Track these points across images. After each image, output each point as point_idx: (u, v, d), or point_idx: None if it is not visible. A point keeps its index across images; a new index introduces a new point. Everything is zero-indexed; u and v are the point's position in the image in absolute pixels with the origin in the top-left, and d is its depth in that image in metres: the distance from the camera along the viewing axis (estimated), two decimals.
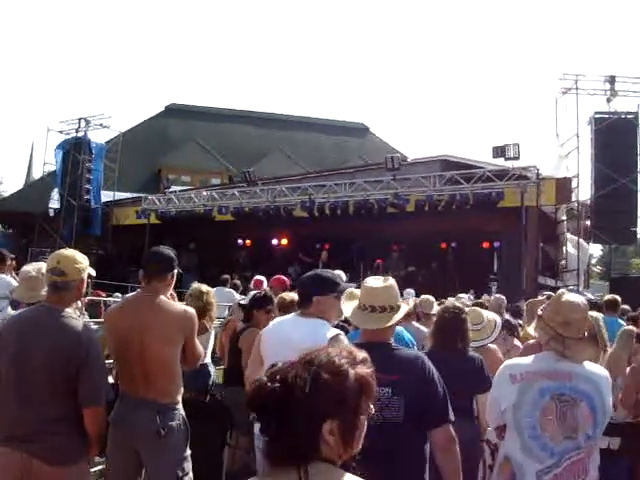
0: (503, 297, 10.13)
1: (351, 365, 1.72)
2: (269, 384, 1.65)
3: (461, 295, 9.75)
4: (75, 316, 3.67)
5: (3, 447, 3.38)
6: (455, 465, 3.20)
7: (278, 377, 1.67)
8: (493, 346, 5.54)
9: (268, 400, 1.64)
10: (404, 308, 3.51)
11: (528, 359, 3.36)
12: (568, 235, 19.59)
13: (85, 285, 3.78)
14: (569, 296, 3.34)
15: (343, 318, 4.13)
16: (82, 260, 3.68)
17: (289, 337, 3.67)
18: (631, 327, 6.11)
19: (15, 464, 3.33)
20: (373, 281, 3.51)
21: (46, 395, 3.41)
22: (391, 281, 3.50)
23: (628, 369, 5.21)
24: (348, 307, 3.56)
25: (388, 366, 3.01)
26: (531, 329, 3.52)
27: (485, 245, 19.97)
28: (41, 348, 3.40)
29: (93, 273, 3.83)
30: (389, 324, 3.36)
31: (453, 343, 4.52)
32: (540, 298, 4.91)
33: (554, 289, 15.83)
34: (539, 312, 3.37)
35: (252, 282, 9.91)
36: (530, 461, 3.14)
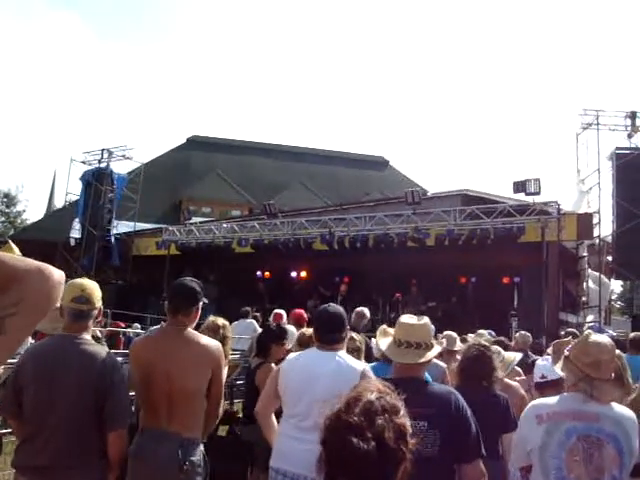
0: (529, 334, 10.04)
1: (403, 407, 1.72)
2: (363, 445, 1.55)
3: (481, 331, 9.65)
4: (95, 343, 3.68)
5: (23, 477, 3.38)
6: None
7: (369, 435, 1.57)
8: (515, 383, 5.50)
9: (365, 462, 1.55)
10: (437, 348, 3.62)
11: (554, 399, 3.34)
12: (589, 271, 19.46)
13: (101, 314, 3.83)
14: (596, 337, 3.32)
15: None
16: (99, 289, 3.76)
17: (313, 371, 3.71)
18: None
19: None
20: (409, 318, 3.62)
21: (70, 426, 3.43)
22: (426, 319, 3.60)
23: None
24: (384, 342, 3.67)
25: (424, 401, 3.10)
26: (557, 369, 3.49)
27: (505, 280, 19.82)
28: (67, 377, 3.42)
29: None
30: (424, 360, 3.45)
31: (479, 381, 4.49)
32: (567, 339, 4.84)
33: (575, 325, 15.73)
34: (566, 353, 3.35)
35: (272, 316, 9.88)
36: None
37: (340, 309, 4.22)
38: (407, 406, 1.73)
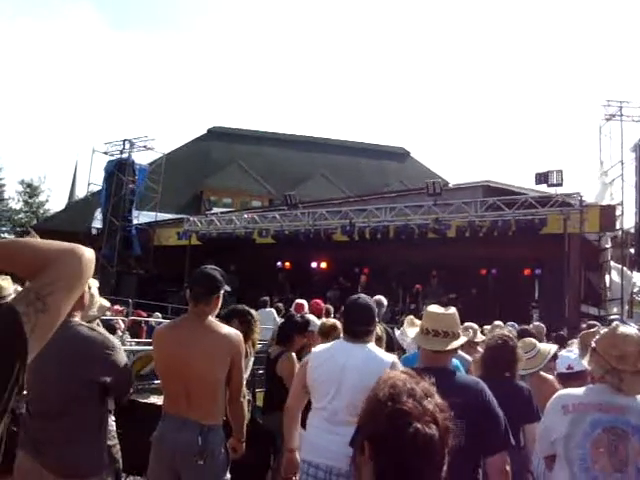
0: (542, 325, 10.02)
1: None
2: (428, 430, 1.56)
3: (497, 322, 9.62)
4: (83, 323, 3.69)
5: (25, 454, 3.43)
6: None
7: (428, 419, 1.59)
8: (551, 377, 5.43)
9: (432, 447, 1.56)
10: (463, 338, 3.65)
11: (580, 390, 3.33)
12: (612, 263, 19.29)
13: (87, 295, 3.81)
14: (624, 329, 3.29)
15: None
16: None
17: (344, 363, 3.72)
18: None
19: (33, 471, 3.39)
20: (436, 308, 3.67)
21: (61, 406, 3.48)
22: (453, 309, 3.64)
23: None
24: (412, 331, 3.75)
25: (451, 390, 3.06)
26: (584, 361, 3.48)
27: (526, 272, 19.68)
28: (58, 360, 3.44)
29: (107, 304, 3.88)
30: (450, 347, 3.47)
31: (501, 372, 4.47)
32: (593, 330, 4.81)
33: (597, 318, 15.64)
34: (593, 345, 3.33)
35: (293, 306, 9.91)
36: None
37: (370, 301, 4.22)
38: None
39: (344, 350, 3.99)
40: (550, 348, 5.69)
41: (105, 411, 3.72)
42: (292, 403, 4.24)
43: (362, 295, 4.32)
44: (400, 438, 1.55)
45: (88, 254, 1.62)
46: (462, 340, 3.58)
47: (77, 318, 3.64)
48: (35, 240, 1.58)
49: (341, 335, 5.87)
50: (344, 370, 3.71)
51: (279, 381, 6.00)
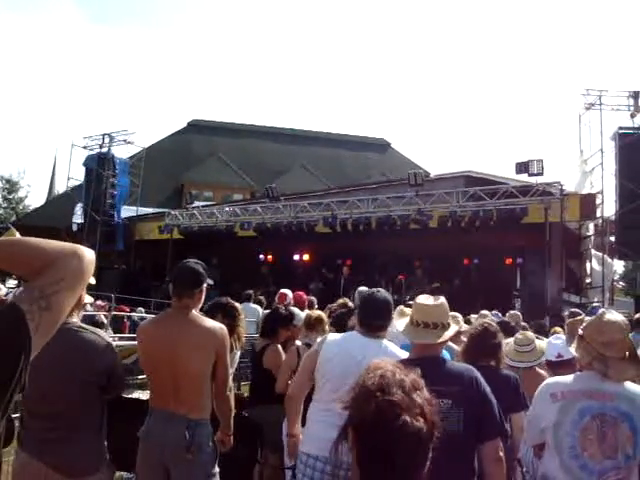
0: (519, 314, 10.08)
1: None
2: (415, 422, 1.57)
3: (484, 312, 9.66)
4: (82, 325, 3.69)
5: (26, 454, 3.44)
6: (504, 477, 3.27)
7: (416, 411, 1.59)
8: (543, 371, 5.46)
9: (418, 439, 1.57)
10: (454, 327, 3.61)
11: (569, 378, 3.34)
12: (592, 251, 19.44)
13: (84, 294, 3.78)
14: (610, 316, 3.30)
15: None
16: None
17: (360, 358, 3.68)
18: None
19: (34, 472, 3.39)
20: (426, 299, 3.60)
21: (63, 405, 3.49)
22: (442, 300, 3.58)
23: None
24: (401, 323, 3.65)
25: (446, 379, 3.11)
26: (572, 349, 3.49)
27: (508, 261, 19.80)
28: (58, 361, 3.41)
29: (92, 281, 3.84)
30: (442, 340, 3.45)
31: (486, 360, 4.48)
32: (579, 318, 4.83)
33: (578, 305, 15.76)
34: (580, 332, 3.34)
35: (277, 296, 9.88)
36: None
37: (387, 295, 4.19)
38: (430, 384, 1.73)
39: (360, 344, 3.95)
40: (544, 347, 5.68)
41: (104, 409, 3.72)
42: (296, 392, 4.23)
43: (381, 289, 4.29)
44: (388, 429, 1.55)
45: (89, 255, 1.66)
46: (453, 330, 3.54)
47: (75, 318, 3.63)
48: (35, 240, 1.61)
49: (326, 328, 5.90)
50: (360, 365, 3.64)
51: (265, 373, 5.99)
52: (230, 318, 5.43)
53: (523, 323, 9.11)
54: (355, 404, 1.68)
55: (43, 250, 1.58)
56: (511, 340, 5.47)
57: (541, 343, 5.66)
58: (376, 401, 1.60)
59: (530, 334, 5.75)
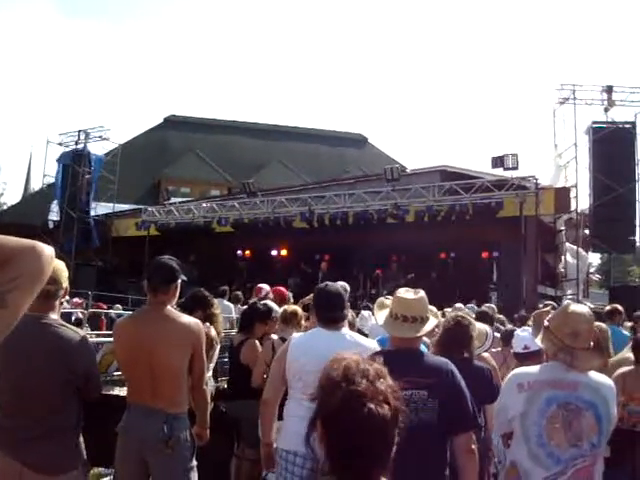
0: (494, 306, 10.18)
1: None
2: (380, 410, 1.61)
3: (459, 305, 9.77)
4: (62, 322, 3.67)
5: (0, 452, 3.41)
6: (476, 469, 3.33)
7: (381, 399, 1.63)
8: (486, 354, 5.58)
9: (385, 426, 1.61)
10: (433, 320, 3.64)
11: (535, 368, 3.41)
12: (567, 244, 19.64)
13: (67, 294, 3.82)
14: (575, 307, 3.38)
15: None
16: (66, 269, 3.72)
17: (327, 351, 3.69)
18: None
19: (10, 470, 3.36)
20: (406, 293, 3.62)
21: (42, 403, 3.47)
22: (422, 293, 3.61)
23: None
24: (380, 316, 3.69)
25: (423, 371, 3.15)
26: (538, 340, 3.56)
27: (484, 255, 19.94)
28: (37, 358, 3.43)
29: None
30: (420, 333, 3.49)
31: (459, 353, 4.55)
32: (546, 309, 4.91)
33: (554, 298, 15.93)
34: (545, 323, 3.41)
35: (264, 292, 9.87)
36: (537, 468, 3.18)
37: (339, 287, 4.24)
38: (407, 376, 1.78)
39: (324, 339, 3.96)
40: (486, 329, 5.76)
41: (81, 407, 3.71)
42: (270, 396, 4.19)
43: (329, 282, 4.33)
44: (354, 418, 1.60)
45: (48, 251, 1.60)
46: (432, 324, 3.58)
47: (55, 316, 3.63)
48: None
49: (302, 322, 5.94)
50: (327, 359, 3.63)
51: (243, 368, 6.02)
52: (210, 316, 5.48)
53: (499, 315, 9.24)
54: (321, 395, 1.72)
55: (3, 246, 1.51)
56: None
57: (482, 327, 5.73)
58: (341, 391, 1.65)
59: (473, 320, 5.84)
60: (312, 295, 6.28)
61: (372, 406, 1.60)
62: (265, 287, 9.69)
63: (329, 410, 1.67)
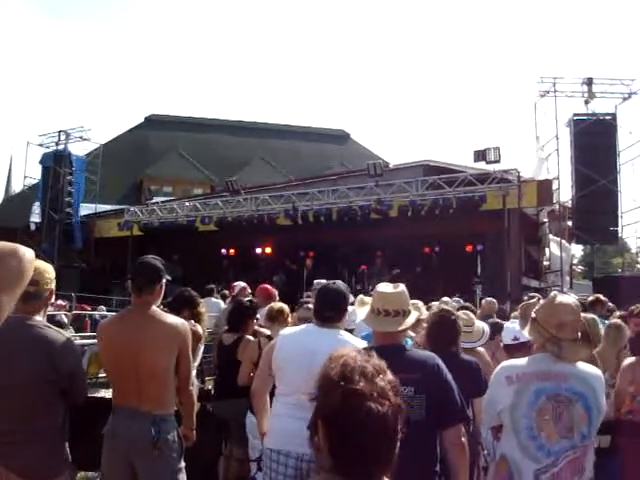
0: (494, 300, 10.20)
1: None
2: (380, 408, 1.60)
3: (445, 299, 9.78)
4: (47, 323, 3.64)
5: None
6: (467, 462, 3.34)
7: (379, 397, 1.62)
8: (481, 349, 5.59)
9: (385, 424, 1.60)
10: (415, 313, 3.64)
11: (524, 360, 3.40)
12: (550, 236, 19.73)
13: (52, 295, 3.75)
14: (562, 298, 3.38)
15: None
16: (51, 271, 3.67)
17: (315, 349, 3.65)
18: (618, 321, 6.11)
19: None
20: (386, 287, 3.62)
21: (26, 405, 3.42)
22: (402, 287, 3.61)
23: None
24: (362, 312, 3.68)
25: (408, 366, 3.13)
26: (526, 332, 3.56)
27: (468, 248, 20.02)
28: (21, 359, 3.39)
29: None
30: (402, 327, 3.48)
31: (447, 346, 4.54)
32: (533, 301, 4.92)
33: (538, 290, 16.00)
34: (533, 315, 3.41)
35: (237, 289, 9.80)
36: (527, 461, 3.18)
37: (342, 286, 4.20)
38: (392, 372, 1.76)
39: (315, 336, 3.94)
40: (484, 327, 5.77)
41: (67, 410, 3.67)
42: (258, 386, 4.22)
43: (337, 281, 4.29)
44: (354, 418, 1.58)
45: (28, 255, 1.61)
46: (413, 317, 3.57)
47: (40, 317, 3.58)
48: None
49: (289, 319, 5.92)
50: (314, 355, 3.52)
51: (237, 367, 5.94)
52: (196, 315, 5.45)
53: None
54: (320, 395, 1.71)
55: None
56: None
57: (480, 324, 5.76)
58: (340, 391, 1.63)
59: (472, 315, 5.85)
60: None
61: (371, 404, 1.58)
62: (239, 284, 9.67)
63: (329, 410, 1.65)
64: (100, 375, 5.64)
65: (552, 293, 3.58)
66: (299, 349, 3.89)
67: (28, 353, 3.41)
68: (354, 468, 1.61)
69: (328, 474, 1.67)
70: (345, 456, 1.62)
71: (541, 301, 3.75)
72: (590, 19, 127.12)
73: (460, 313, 5.68)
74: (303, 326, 4.39)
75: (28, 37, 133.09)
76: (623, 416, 4.74)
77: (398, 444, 1.66)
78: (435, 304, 8.07)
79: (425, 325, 5.08)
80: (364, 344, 3.86)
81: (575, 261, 29.54)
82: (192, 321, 5.26)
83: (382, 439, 1.60)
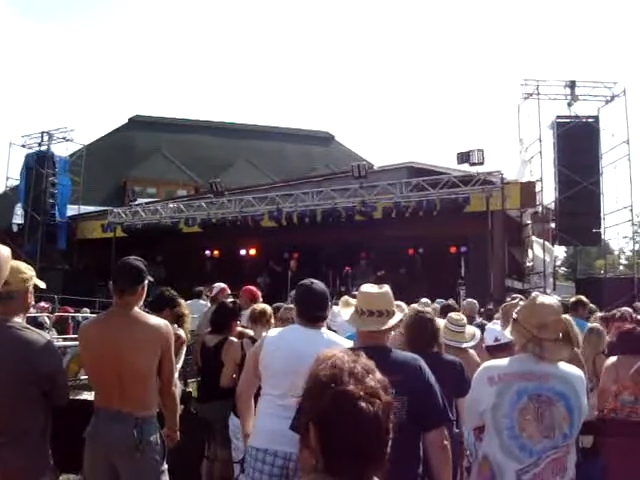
0: (475, 301, 10.24)
1: None
2: (371, 407, 1.60)
3: (424, 300, 9.84)
4: (26, 325, 3.61)
5: None
6: (450, 464, 3.31)
7: (369, 397, 1.62)
8: (472, 351, 5.60)
9: (377, 423, 1.61)
10: (399, 314, 3.64)
11: (505, 361, 3.42)
12: (534, 238, 19.84)
13: (31, 296, 3.70)
14: (543, 299, 3.40)
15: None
16: (26, 270, 3.63)
17: (302, 349, 3.65)
18: (599, 326, 6.17)
19: None
20: (370, 288, 3.63)
21: (6, 408, 3.40)
22: (386, 288, 3.61)
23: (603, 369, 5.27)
24: (346, 312, 3.68)
25: (390, 367, 3.07)
26: (507, 332, 3.58)
27: (452, 250, 20.08)
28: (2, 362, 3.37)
29: (42, 285, 3.78)
30: (386, 327, 3.47)
31: (426, 347, 4.55)
32: (514, 302, 4.96)
33: (521, 291, 16.08)
34: (514, 315, 3.43)
35: (217, 291, 9.76)
36: (509, 461, 3.19)
37: (323, 287, 4.21)
38: None
39: (301, 336, 3.95)
40: (476, 332, 5.81)
41: (48, 413, 3.65)
42: (244, 388, 4.23)
43: (315, 281, 4.29)
44: (345, 419, 1.59)
45: (4, 252, 1.60)
46: (397, 318, 3.57)
47: (19, 319, 3.55)
48: None
49: (271, 320, 5.91)
50: (302, 357, 3.52)
51: (217, 368, 5.93)
52: (178, 316, 5.43)
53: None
54: (310, 397, 1.71)
55: None
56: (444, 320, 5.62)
57: (473, 329, 5.80)
58: (331, 392, 1.63)
59: (463, 316, 5.89)
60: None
61: (362, 405, 1.59)
62: (218, 285, 9.65)
63: (320, 412, 1.65)
64: (82, 377, 5.60)
65: (533, 294, 3.61)
66: (286, 350, 3.90)
67: (6, 355, 3.38)
68: (346, 468, 1.61)
69: (319, 474, 1.67)
70: (337, 456, 1.62)
71: (522, 302, 3.77)
72: (573, 22, 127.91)
73: (452, 314, 5.74)
74: (288, 327, 4.40)
75: (10, 39, 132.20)
76: (607, 415, 4.78)
77: (390, 443, 1.67)
78: (414, 306, 8.11)
79: (400, 330, 5.09)
80: (350, 344, 3.87)
81: (558, 263, 29.74)
82: (175, 325, 5.24)
83: (374, 439, 1.61)
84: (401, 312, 3.96)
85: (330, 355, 1.77)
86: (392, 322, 3.51)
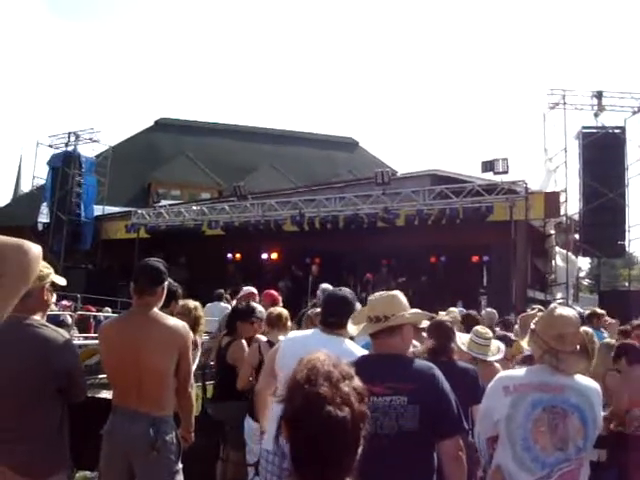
0: (494, 311, 10.17)
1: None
2: (339, 412, 1.61)
3: (452, 309, 9.77)
4: (44, 322, 3.62)
5: None
6: (464, 476, 3.25)
7: (339, 402, 1.63)
8: (497, 364, 5.56)
9: (344, 428, 1.60)
10: (399, 319, 3.51)
11: (521, 371, 3.41)
12: (557, 249, 19.67)
13: (49, 293, 3.70)
14: (562, 310, 3.37)
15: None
16: (43, 268, 3.60)
17: (311, 352, 3.64)
18: (609, 340, 6.12)
19: None
20: (377, 294, 3.58)
21: (23, 404, 3.42)
22: (393, 293, 3.53)
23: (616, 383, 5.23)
24: (352, 328, 3.63)
25: (404, 376, 3.07)
26: (524, 343, 3.57)
27: (474, 259, 19.99)
28: (14, 358, 3.39)
29: (61, 282, 3.80)
30: (374, 330, 3.34)
31: (445, 355, 4.55)
32: (532, 312, 4.94)
33: (543, 302, 15.93)
34: (532, 326, 3.41)
35: (243, 294, 9.79)
36: (521, 472, 3.17)
37: (348, 293, 4.19)
38: (387, 381, 1.77)
39: (319, 341, 3.87)
40: (501, 346, 5.76)
41: (64, 408, 3.66)
42: (262, 387, 4.28)
43: (343, 288, 4.28)
44: (312, 421, 1.60)
45: (35, 250, 1.57)
46: (393, 322, 3.34)
47: (37, 317, 3.58)
48: None
49: (288, 324, 5.94)
50: None
51: (229, 369, 5.99)
52: (190, 318, 5.45)
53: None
54: (286, 397, 1.73)
55: None
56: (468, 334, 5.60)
57: (499, 344, 5.76)
58: (303, 393, 1.65)
59: (488, 330, 5.86)
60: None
61: (331, 409, 1.60)
62: (246, 289, 9.65)
63: (291, 412, 1.68)
64: (101, 376, 5.64)
65: (552, 305, 3.58)
66: (302, 354, 3.88)
67: (23, 352, 3.41)
68: (310, 470, 1.63)
69: (289, 479, 1.70)
70: (302, 458, 1.64)
71: (540, 313, 3.75)
72: (601, 32, 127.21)
73: (479, 327, 5.71)
74: (308, 331, 4.40)
75: (41, 38, 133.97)
76: (614, 429, 4.76)
77: (359, 451, 1.66)
78: (442, 313, 8.08)
79: (424, 334, 5.09)
80: (365, 353, 3.84)
81: (582, 274, 29.44)
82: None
83: (339, 444, 1.61)
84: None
85: (313, 357, 1.80)
86: (384, 325, 3.33)
